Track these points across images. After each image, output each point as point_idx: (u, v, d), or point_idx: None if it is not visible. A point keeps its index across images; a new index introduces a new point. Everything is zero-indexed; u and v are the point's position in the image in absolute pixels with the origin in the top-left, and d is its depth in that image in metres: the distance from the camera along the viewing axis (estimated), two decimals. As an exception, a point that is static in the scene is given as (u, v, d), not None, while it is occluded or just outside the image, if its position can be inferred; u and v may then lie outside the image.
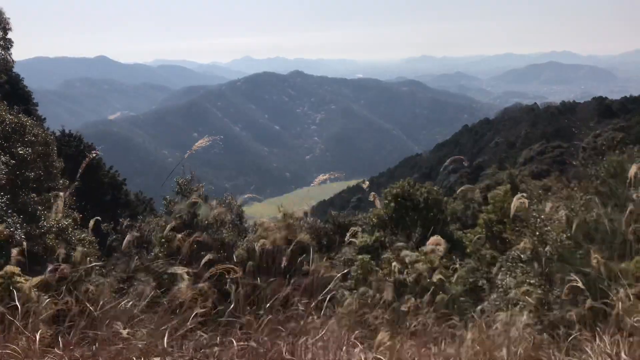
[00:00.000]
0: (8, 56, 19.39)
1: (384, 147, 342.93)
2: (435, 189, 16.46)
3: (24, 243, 6.12)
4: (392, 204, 15.89)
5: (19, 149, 11.74)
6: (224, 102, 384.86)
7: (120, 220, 20.73)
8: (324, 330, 4.17)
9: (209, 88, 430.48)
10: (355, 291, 9.22)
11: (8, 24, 19.51)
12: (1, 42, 19.09)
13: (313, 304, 4.63)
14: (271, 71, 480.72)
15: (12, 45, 19.56)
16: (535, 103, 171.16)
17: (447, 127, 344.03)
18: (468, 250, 11.97)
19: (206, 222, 13.82)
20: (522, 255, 7.88)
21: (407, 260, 9.29)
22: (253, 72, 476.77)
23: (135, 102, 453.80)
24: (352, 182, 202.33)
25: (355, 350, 4.00)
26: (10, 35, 19.61)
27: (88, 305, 4.19)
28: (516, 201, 6.46)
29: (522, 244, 7.88)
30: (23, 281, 5.18)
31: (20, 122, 11.23)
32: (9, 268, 5.35)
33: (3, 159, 10.55)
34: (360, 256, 8.82)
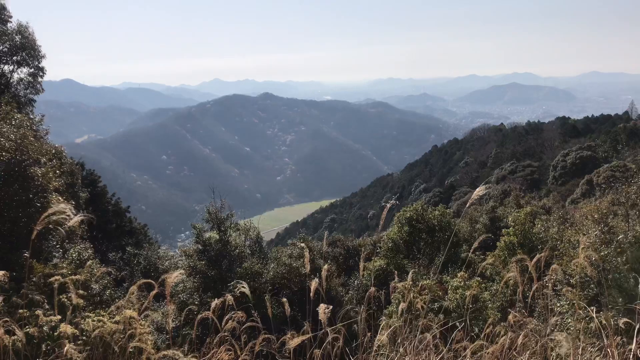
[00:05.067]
0: (38, 84, 19.15)
1: (354, 167, 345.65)
2: (447, 211, 16.98)
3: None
4: (406, 227, 16.32)
5: (56, 180, 11.79)
6: (193, 124, 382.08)
7: (127, 249, 20.61)
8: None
9: (178, 110, 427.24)
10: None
11: (40, 51, 19.31)
12: (33, 70, 18.87)
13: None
14: (241, 93, 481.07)
15: (44, 74, 19.37)
16: (502, 123, 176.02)
17: (415, 147, 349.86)
18: (488, 273, 12.45)
19: (236, 251, 14.01)
20: (571, 280, 8.31)
21: (450, 286, 9.61)
22: (222, 95, 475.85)
23: (102, 125, 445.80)
24: (325, 203, 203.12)
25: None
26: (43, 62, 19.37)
27: None
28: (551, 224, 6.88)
29: (565, 267, 8.31)
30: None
31: (58, 150, 11.26)
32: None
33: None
34: (400, 283, 9.20)
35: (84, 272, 12.42)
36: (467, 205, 5.43)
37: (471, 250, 5.84)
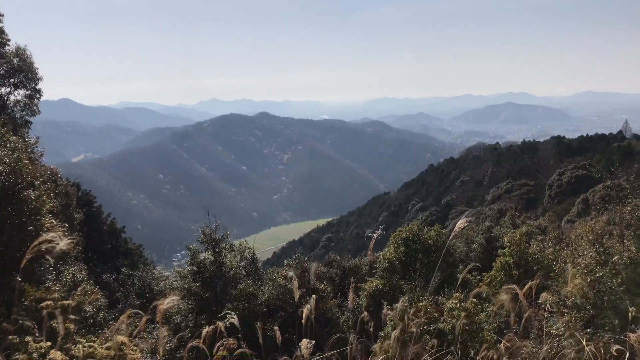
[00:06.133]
0: (35, 106, 19.19)
1: (351, 186, 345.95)
2: (443, 231, 16.97)
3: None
4: (402, 248, 16.28)
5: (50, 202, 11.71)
6: (190, 144, 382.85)
7: (122, 270, 20.46)
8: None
9: (175, 129, 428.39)
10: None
11: (37, 74, 19.40)
12: (30, 92, 18.94)
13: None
14: (238, 113, 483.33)
15: (41, 96, 19.44)
16: (497, 142, 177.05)
17: (411, 165, 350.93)
18: (484, 294, 12.39)
19: (231, 272, 13.93)
20: (567, 301, 8.27)
21: (445, 308, 9.57)
22: (220, 114, 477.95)
23: (99, 144, 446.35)
24: (322, 221, 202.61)
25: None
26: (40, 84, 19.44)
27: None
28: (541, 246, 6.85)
29: (562, 289, 8.29)
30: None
31: (53, 171, 11.26)
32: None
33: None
34: (396, 305, 9.13)
35: (77, 295, 12.30)
36: (450, 237, 5.44)
37: (461, 272, 5.84)
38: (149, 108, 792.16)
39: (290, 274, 12.88)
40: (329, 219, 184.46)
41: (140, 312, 4.82)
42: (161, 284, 20.81)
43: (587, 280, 7.82)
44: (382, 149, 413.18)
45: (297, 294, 5.26)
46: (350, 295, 6.10)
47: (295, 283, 5.28)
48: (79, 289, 12.37)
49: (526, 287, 4.92)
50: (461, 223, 4.50)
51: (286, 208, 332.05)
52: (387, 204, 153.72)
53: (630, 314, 6.02)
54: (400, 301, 8.06)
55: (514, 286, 5.17)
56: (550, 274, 10.39)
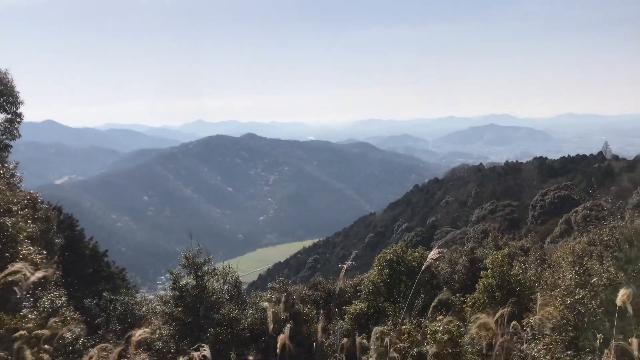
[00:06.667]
0: (15, 130, 18.93)
1: (337, 207, 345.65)
2: (426, 253, 17.00)
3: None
4: (387, 270, 16.26)
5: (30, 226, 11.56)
6: (175, 165, 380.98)
7: (104, 295, 20.10)
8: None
9: (161, 151, 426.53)
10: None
11: (18, 97, 19.18)
12: (11, 116, 18.71)
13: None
14: (224, 134, 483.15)
15: (22, 119, 19.18)
16: (481, 163, 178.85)
17: (397, 186, 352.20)
18: (468, 316, 12.40)
19: (214, 296, 13.79)
20: (548, 323, 8.31)
21: (429, 331, 9.55)
22: (206, 135, 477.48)
23: (83, 166, 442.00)
24: (308, 243, 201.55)
25: None
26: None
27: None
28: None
29: (542, 312, 8.32)
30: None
31: (33, 196, 11.14)
32: None
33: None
34: (380, 328, 9.10)
35: (55, 322, 12.05)
36: (424, 266, 5.47)
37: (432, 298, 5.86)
38: (135, 129, 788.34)
39: (265, 303, 12.74)
40: (315, 240, 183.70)
41: (119, 340, 4.75)
42: (143, 308, 20.47)
43: (567, 301, 7.88)
44: (368, 169, 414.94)
45: (271, 325, 5.22)
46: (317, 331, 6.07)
47: (270, 313, 5.26)
48: (58, 315, 12.14)
49: (497, 314, 4.96)
50: (433, 254, 4.55)
51: (272, 229, 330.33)
52: (373, 224, 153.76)
53: (598, 341, 6.04)
54: (381, 326, 8.01)
55: (486, 316, 5.20)
56: (532, 297, 10.46)
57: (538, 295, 7.08)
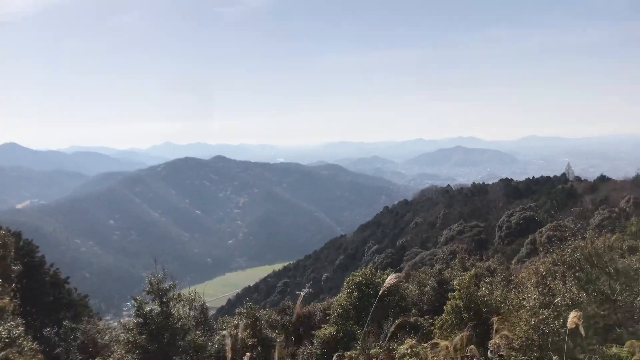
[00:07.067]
0: None
1: (308, 229, 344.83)
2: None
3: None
4: (356, 293, 16.22)
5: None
6: (142, 188, 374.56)
7: (64, 324, 19.38)
8: None
9: (128, 174, 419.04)
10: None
11: None
12: None
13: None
14: (193, 156, 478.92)
15: None
16: (449, 185, 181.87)
17: (367, 208, 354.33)
18: (437, 338, 12.42)
19: (179, 323, 13.44)
20: (513, 344, 8.40)
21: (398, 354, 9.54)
22: (174, 158, 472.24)
23: (47, 190, 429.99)
24: (278, 266, 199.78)
25: None
26: None
27: None
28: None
29: (507, 332, 8.42)
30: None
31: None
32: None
33: None
34: (349, 352, 9.11)
35: (12, 353, 11.61)
36: (381, 291, 5.48)
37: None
38: (101, 152, 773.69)
39: (224, 332, 12.48)
40: (286, 264, 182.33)
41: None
42: (106, 337, 19.82)
43: (531, 322, 8.01)
44: (338, 191, 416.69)
45: (229, 355, 5.11)
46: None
47: (229, 342, 5.16)
48: (15, 346, 11.67)
49: (456, 339, 4.99)
50: (391, 279, 4.58)
51: (242, 253, 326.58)
52: (344, 246, 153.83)
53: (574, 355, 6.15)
54: (350, 351, 7.94)
55: (446, 343, 5.24)
56: (497, 318, 10.57)
57: (494, 318, 7.17)
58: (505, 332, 7.79)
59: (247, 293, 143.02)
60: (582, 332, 4.30)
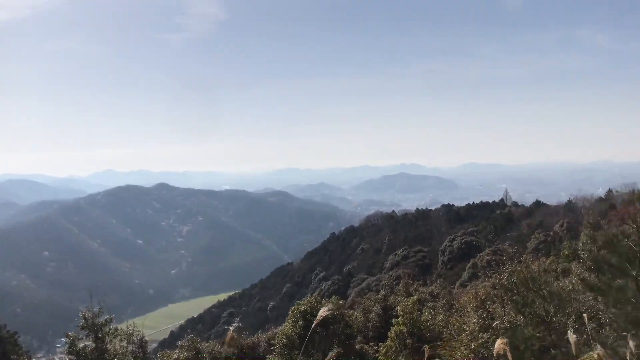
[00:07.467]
0: None
1: (255, 258, 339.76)
2: (340, 302, 16.94)
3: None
4: (301, 322, 15.98)
5: None
6: (81, 217, 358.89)
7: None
8: None
9: (65, 203, 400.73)
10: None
11: None
12: None
13: None
14: (135, 184, 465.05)
15: None
16: (393, 210, 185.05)
17: (314, 234, 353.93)
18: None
19: (115, 359, 12.76)
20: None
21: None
22: (115, 186, 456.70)
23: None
24: (223, 296, 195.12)
25: None
26: None
27: None
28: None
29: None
30: None
31: None
32: None
33: None
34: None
35: None
36: (314, 323, 5.45)
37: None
38: (37, 180, 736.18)
39: None
40: (231, 293, 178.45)
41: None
42: (36, 377, 18.51)
43: (471, 346, 8.14)
44: (286, 218, 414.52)
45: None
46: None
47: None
48: None
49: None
50: (323, 311, 4.55)
51: (185, 283, 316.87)
52: (291, 274, 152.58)
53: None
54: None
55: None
56: (438, 343, 10.69)
57: (425, 347, 7.25)
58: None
59: (191, 324, 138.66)
60: (510, 358, 4.37)
